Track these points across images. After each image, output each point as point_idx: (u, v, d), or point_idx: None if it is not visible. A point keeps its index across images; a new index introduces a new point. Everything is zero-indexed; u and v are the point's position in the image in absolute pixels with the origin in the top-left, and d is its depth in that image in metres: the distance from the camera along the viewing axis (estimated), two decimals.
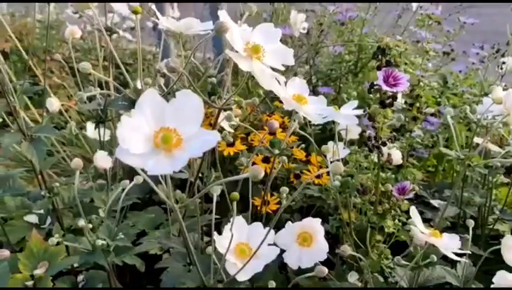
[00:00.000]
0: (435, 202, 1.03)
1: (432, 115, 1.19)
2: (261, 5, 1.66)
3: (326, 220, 0.91)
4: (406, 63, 0.70)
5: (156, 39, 2.29)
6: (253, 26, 0.60)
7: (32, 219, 0.91)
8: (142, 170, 0.40)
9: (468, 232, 0.75)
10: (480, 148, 0.83)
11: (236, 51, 0.55)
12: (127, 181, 0.69)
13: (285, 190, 0.65)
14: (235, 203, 0.63)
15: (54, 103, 0.85)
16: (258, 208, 0.89)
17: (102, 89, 1.01)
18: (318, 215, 0.73)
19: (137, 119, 0.42)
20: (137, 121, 0.42)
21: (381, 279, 0.78)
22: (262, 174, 0.46)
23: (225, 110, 0.63)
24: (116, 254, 0.70)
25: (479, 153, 0.96)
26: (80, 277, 0.81)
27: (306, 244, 0.68)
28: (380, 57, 0.69)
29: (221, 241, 0.62)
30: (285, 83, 0.69)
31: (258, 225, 0.66)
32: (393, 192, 0.78)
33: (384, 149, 0.75)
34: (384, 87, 0.69)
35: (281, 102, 1.23)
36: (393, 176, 0.80)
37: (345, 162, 0.87)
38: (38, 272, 0.74)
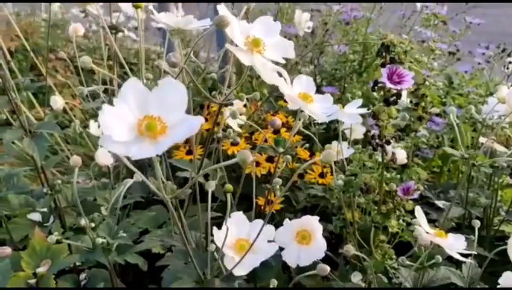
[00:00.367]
0: (440, 203, 1.02)
1: (437, 115, 1.18)
2: (266, 4, 1.66)
3: (330, 220, 0.91)
4: (410, 61, 0.69)
5: (160, 39, 2.29)
6: None
7: (36, 217, 0.91)
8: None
9: (474, 233, 0.74)
10: (485, 148, 0.83)
11: (237, 45, 0.55)
12: (130, 180, 0.69)
13: (278, 181, 0.64)
14: (229, 195, 0.63)
15: (58, 101, 0.85)
16: (262, 207, 0.88)
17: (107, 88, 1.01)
18: (322, 215, 0.73)
19: (120, 107, 0.42)
20: (120, 109, 0.42)
21: (385, 279, 0.77)
22: (251, 158, 0.46)
23: (226, 105, 0.62)
24: (118, 252, 0.69)
25: (484, 154, 0.95)
26: (82, 275, 0.81)
27: (305, 242, 0.67)
28: (384, 54, 0.68)
29: (219, 236, 0.62)
30: (291, 81, 0.69)
31: (259, 222, 0.65)
32: (397, 192, 0.77)
33: (389, 148, 0.74)
34: (388, 85, 0.68)
35: (285, 101, 1.23)
36: (397, 175, 0.79)
37: (349, 161, 0.87)
38: (40, 270, 0.74)
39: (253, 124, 0.86)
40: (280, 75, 0.59)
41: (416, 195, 0.79)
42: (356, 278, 0.77)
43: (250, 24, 0.58)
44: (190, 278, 0.63)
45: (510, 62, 1.29)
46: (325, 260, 0.67)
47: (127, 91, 0.43)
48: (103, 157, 0.74)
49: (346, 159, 0.87)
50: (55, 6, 2.64)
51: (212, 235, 0.63)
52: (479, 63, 1.70)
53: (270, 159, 1.02)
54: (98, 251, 0.63)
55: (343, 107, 0.78)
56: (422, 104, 0.86)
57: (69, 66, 2.06)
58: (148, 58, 2.12)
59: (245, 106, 1.17)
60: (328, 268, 0.63)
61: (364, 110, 0.76)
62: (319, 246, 0.67)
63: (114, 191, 0.88)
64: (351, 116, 0.76)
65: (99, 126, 1.10)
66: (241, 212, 0.67)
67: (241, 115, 0.72)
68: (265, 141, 0.95)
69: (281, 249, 0.68)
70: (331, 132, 1.31)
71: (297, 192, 1.06)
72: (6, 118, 0.89)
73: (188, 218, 0.83)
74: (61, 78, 1.57)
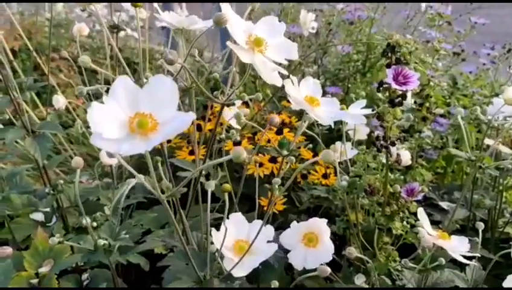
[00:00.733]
0: (444, 204, 1.02)
1: (441, 116, 1.18)
2: (269, 4, 1.66)
3: (333, 221, 0.90)
4: (415, 62, 0.69)
5: (164, 37, 2.29)
6: None
7: (38, 216, 0.91)
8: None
9: (478, 235, 0.74)
10: (491, 149, 0.82)
11: (238, 44, 0.55)
12: (133, 179, 0.69)
13: (277, 181, 0.64)
14: (226, 195, 0.62)
15: (59, 100, 0.85)
16: (265, 208, 0.88)
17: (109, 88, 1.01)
18: (325, 216, 0.72)
19: (110, 105, 0.42)
20: (110, 107, 0.41)
21: (389, 281, 0.77)
22: (245, 154, 0.45)
23: (228, 105, 0.62)
24: (120, 252, 0.69)
25: (489, 155, 0.94)
26: (85, 275, 0.80)
27: (311, 244, 0.67)
28: (389, 54, 0.68)
29: (218, 237, 0.62)
30: (298, 82, 0.68)
31: (258, 222, 0.65)
32: (401, 193, 0.76)
33: (393, 149, 0.74)
34: (394, 86, 0.67)
35: (288, 101, 1.23)
36: (402, 177, 0.79)
37: (353, 162, 0.86)
38: (43, 270, 0.74)
39: (256, 124, 0.85)
40: (282, 76, 0.58)
41: (420, 196, 0.78)
42: (359, 280, 0.77)
43: (255, 24, 0.58)
44: (189, 278, 0.62)
45: None
46: (328, 261, 0.67)
47: (118, 88, 0.42)
48: (107, 157, 0.74)
49: (349, 160, 0.87)
50: (59, 5, 2.65)
51: (211, 235, 0.63)
52: (484, 64, 1.69)
53: (273, 160, 1.01)
54: (99, 252, 0.63)
55: (346, 107, 0.77)
56: (427, 104, 0.86)
57: (72, 65, 2.06)
58: (152, 57, 2.12)
59: (248, 106, 1.17)
60: (328, 269, 0.62)
61: (368, 111, 0.75)
62: (326, 249, 0.66)
63: (117, 191, 0.88)
64: (355, 116, 0.76)
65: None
66: (239, 213, 0.66)
67: (244, 115, 0.71)
68: (269, 141, 0.95)
69: (286, 251, 0.67)
70: (334, 132, 1.30)
71: (301, 193, 1.06)
72: (9, 118, 0.89)
73: (191, 218, 0.83)
74: (64, 77, 1.57)
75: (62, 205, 0.89)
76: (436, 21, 1.07)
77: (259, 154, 1.02)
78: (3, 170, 0.99)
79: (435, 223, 0.94)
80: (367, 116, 0.75)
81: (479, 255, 0.71)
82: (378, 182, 0.77)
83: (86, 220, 0.64)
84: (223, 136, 0.79)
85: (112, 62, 1.16)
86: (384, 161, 0.77)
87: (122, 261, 0.72)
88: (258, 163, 0.99)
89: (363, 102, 0.78)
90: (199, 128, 1.02)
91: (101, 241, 0.62)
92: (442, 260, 0.70)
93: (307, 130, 0.81)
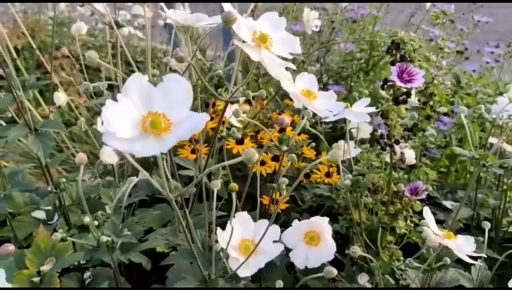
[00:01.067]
0: (448, 203, 1.01)
1: (444, 114, 1.17)
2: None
3: (336, 220, 0.90)
4: (419, 60, 0.68)
5: (167, 34, 2.28)
6: None
7: (40, 215, 0.91)
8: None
9: (482, 234, 0.73)
10: (495, 148, 0.81)
11: (244, 41, 0.54)
12: (135, 178, 0.68)
13: (284, 181, 0.63)
14: (234, 195, 0.62)
15: (61, 97, 0.85)
16: (267, 207, 0.88)
17: (112, 85, 1.00)
18: (328, 215, 0.72)
19: (123, 103, 0.41)
20: (123, 105, 0.41)
21: (392, 281, 0.76)
22: (256, 156, 0.45)
23: (232, 103, 0.61)
24: (122, 251, 0.69)
25: (493, 154, 0.94)
26: (87, 274, 0.80)
27: (313, 243, 0.66)
28: (394, 51, 0.67)
29: (223, 236, 0.61)
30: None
31: (264, 222, 0.65)
32: (405, 192, 0.76)
33: (397, 148, 0.73)
34: (398, 83, 0.67)
35: (291, 100, 1.22)
36: (405, 176, 0.78)
37: (356, 161, 0.86)
38: (45, 268, 0.74)
39: (259, 123, 0.85)
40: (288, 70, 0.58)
41: (424, 195, 0.77)
42: (363, 279, 0.76)
43: (255, 21, 0.58)
44: (194, 278, 0.62)
45: None
46: (331, 260, 0.66)
47: (131, 87, 0.42)
48: (107, 156, 0.73)
49: (353, 158, 0.86)
50: (62, 4, 2.65)
51: (216, 234, 0.62)
52: (488, 62, 1.68)
53: (275, 158, 1.01)
54: (102, 249, 0.63)
55: (350, 106, 0.77)
56: (431, 103, 0.85)
57: (74, 64, 2.06)
58: (155, 56, 2.11)
59: (250, 104, 1.16)
60: (334, 271, 0.62)
61: (372, 109, 0.74)
62: (328, 248, 0.66)
63: (119, 189, 0.88)
64: (359, 115, 0.75)
65: (102, 123, 1.10)
66: (245, 212, 0.66)
67: (243, 113, 0.71)
68: (272, 140, 0.94)
69: (288, 249, 0.67)
70: (337, 131, 1.30)
71: (303, 191, 1.05)
72: (12, 116, 0.89)
73: (194, 217, 0.82)
74: (66, 75, 1.57)
75: (64, 203, 0.89)
76: (441, 18, 1.06)
77: (262, 153, 1.02)
78: (6, 168, 0.99)
79: (438, 223, 0.93)
80: (370, 115, 0.75)
81: (485, 256, 0.70)
82: (382, 180, 0.76)
83: (90, 218, 0.63)
84: (224, 133, 0.79)
85: (114, 60, 1.15)
86: (387, 159, 0.76)
87: (124, 260, 0.72)
88: (260, 161, 0.98)
89: (367, 100, 0.78)
90: None
91: (104, 238, 0.62)
92: (448, 260, 0.69)
93: (310, 129, 0.81)
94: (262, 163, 0.99)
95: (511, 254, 0.71)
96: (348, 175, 0.76)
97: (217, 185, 0.61)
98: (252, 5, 0.66)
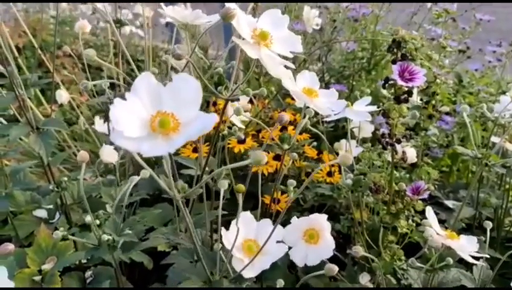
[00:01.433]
0: (450, 203, 1.01)
1: (446, 113, 1.17)
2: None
3: (337, 219, 0.90)
4: (421, 58, 0.68)
5: (169, 32, 2.28)
6: None
7: (42, 213, 0.91)
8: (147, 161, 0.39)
9: (484, 234, 0.73)
10: (497, 147, 0.81)
11: (244, 39, 0.54)
12: (136, 177, 0.68)
13: (292, 183, 0.63)
14: (241, 196, 0.62)
15: (62, 95, 0.84)
16: (268, 206, 0.87)
17: (113, 84, 1.00)
18: (329, 214, 0.72)
19: (132, 102, 0.41)
20: (132, 104, 0.40)
21: (394, 281, 0.76)
22: (265, 159, 0.45)
23: (232, 100, 0.61)
24: (123, 250, 0.69)
25: (496, 153, 0.93)
26: (88, 273, 0.80)
27: (312, 241, 0.66)
28: (395, 50, 0.67)
29: (227, 236, 0.61)
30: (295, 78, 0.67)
31: (266, 221, 0.64)
32: (407, 192, 0.75)
33: (399, 147, 0.73)
34: (400, 82, 0.66)
35: (292, 99, 1.22)
36: (407, 175, 0.78)
37: (357, 160, 0.85)
38: (46, 267, 0.74)
39: (260, 122, 0.85)
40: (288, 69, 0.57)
41: (425, 195, 0.77)
42: (364, 279, 0.76)
43: (257, 18, 0.57)
44: (199, 278, 0.62)
45: None
46: (333, 260, 0.66)
47: (140, 86, 0.41)
48: (107, 155, 0.73)
49: (354, 157, 0.86)
50: (64, 3, 2.65)
51: (217, 233, 0.62)
52: (490, 61, 1.67)
53: (277, 158, 1.01)
54: (103, 248, 0.62)
55: (351, 105, 0.76)
56: (433, 102, 0.85)
57: (76, 63, 2.06)
58: (156, 55, 2.12)
59: (252, 102, 1.16)
60: (336, 268, 0.61)
61: (373, 108, 0.74)
62: (327, 246, 0.65)
63: (120, 188, 0.88)
64: (360, 114, 0.75)
65: (105, 121, 1.09)
66: (248, 212, 0.66)
67: (245, 112, 0.71)
68: (273, 139, 0.94)
69: (290, 249, 0.66)
70: (339, 130, 1.29)
71: (305, 191, 1.05)
72: (14, 114, 0.89)
73: (193, 216, 0.82)
74: (68, 74, 1.57)
75: (65, 202, 0.89)
76: (444, 16, 1.06)
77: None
78: (7, 166, 0.99)
79: (440, 222, 0.93)
80: (371, 114, 0.74)
81: (488, 256, 0.70)
82: (384, 180, 0.76)
83: (91, 217, 0.63)
84: (225, 132, 0.79)
85: (115, 59, 1.15)
86: (389, 158, 0.76)
87: (125, 259, 0.72)
88: None
89: (368, 99, 0.78)
90: None
91: (105, 237, 0.62)
92: (450, 260, 0.69)
93: (311, 128, 0.80)
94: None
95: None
96: (349, 174, 0.76)
97: (224, 185, 0.60)
98: (251, 4, 0.65)
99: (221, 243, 0.61)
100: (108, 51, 1.21)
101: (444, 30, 1.36)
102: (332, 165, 1.00)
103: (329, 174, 1.00)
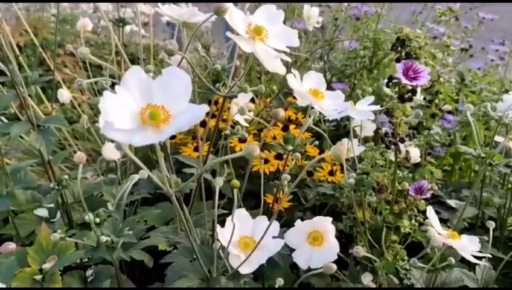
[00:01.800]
0: (452, 202, 1.01)
1: (448, 112, 1.16)
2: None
3: (339, 219, 0.89)
4: (425, 57, 0.67)
5: (171, 30, 2.28)
6: None
7: (42, 212, 0.91)
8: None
9: (487, 233, 0.73)
10: (501, 146, 0.81)
11: (238, 34, 0.54)
12: (136, 175, 0.68)
13: (286, 177, 0.63)
14: (235, 191, 0.62)
15: (64, 94, 0.84)
16: (270, 205, 0.87)
17: (114, 83, 1.00)
18: (331, 213, 0.71)
19: (122, 95, 0.41)
20: (122, 97, 0.41)
21: (396, 281, 0.76)
22: (258, 151, 0.45)
23: (230, 98, 0.61)
24: (124, 249, 0.68)
25: (499, 152, 0.93)
26: (89, 272, 0.80)
27: (316, 243, 0.65)
28: (399, 48, 0.66)
29: (223, 233, 0.61)
30: (301, 78, 0.67)
31: (262, 218, 0.64)
32: (410, 191, 0.75)
33: (402, 146, 0.72)
34: (404, 81, 0.66)
35: (294, 98, 1.22)
36: (410, 174, 0.77)
37: (360, 159, 0.85)
38: (47, 266, 0.74)
39: (262, 120, 0.84)
40: (287, 66, 0.57)
41: (429, 194, 0.77)
42: (367, 279, 0.75)
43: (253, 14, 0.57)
44: (196, 275, 0.61)
45: None
46: (335, 259, 0.66)
47: (130, 79, 0.42)
48: (110, 152, 0.73)
49: (357, 157, 0.86)
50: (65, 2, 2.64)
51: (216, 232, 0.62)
52: (492, 60, 1.67)
53: (279, 157, 1.00)
54: (102, 249, 0.62)
55: (354, 104, 0.76)
56: (436, 101, 0.84)
57: (77, 61, 2.06)
58: (157, 53, 2.11)
59: (253, 101, 1.16)
60: (334, 266, 0.61)
61: (376, 107, 0.74)
62: (331, 248, 0.65)
63: (121, 186, 0.87)
64: (362, 113, 0.74)
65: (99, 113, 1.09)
66: (243, 209, 0.65)
67: (249, 111, 0.70)
68: (275, 138, 0.94)
69: (292, 249, 0.66)
70: (341, 129, 1.29)
71: (307, 190, 1.05)
72: (15, 112, 0.88)
73: (194, 215, 0.82)
74: (69, 72, 1.57)
75: (66, 200, 0.89)
76: (448, 15, 1.05)
77: (265, 151, 1.01)
78: (8, 165, 0.98)
79: (442, 221, 0.93)
80: (374, 113, 0.74)
81: (490, 256, 0.69)
82: (386, 179, 0.75)
83: (89, 216, 0.63)
84: (228, 132, 0.78)
85: (117, 58, 1.15)
86: (392, 158, 0.76)
87: (126, 257, 0.71)
88: (263, 159, 0.98)
89: (371, 98, 0.77)
90: (203, 124, 1.01)
91: (104, 238, 0.62)
92: (452, 260, 0.68)
93: (313, 127, 0.80)
94: (266, 161, 0.98)
95: None
96: (351, 174, 0.76)
97: (219, 182, 0.60)
98: (248, 4, 0.65)
99: (218, 240, 0.61)
100: (110, 49, 1.20)
101: (447, 29, 1.35)
102: (334, 164, 1.00)
103: (331, 173, 1.00)
